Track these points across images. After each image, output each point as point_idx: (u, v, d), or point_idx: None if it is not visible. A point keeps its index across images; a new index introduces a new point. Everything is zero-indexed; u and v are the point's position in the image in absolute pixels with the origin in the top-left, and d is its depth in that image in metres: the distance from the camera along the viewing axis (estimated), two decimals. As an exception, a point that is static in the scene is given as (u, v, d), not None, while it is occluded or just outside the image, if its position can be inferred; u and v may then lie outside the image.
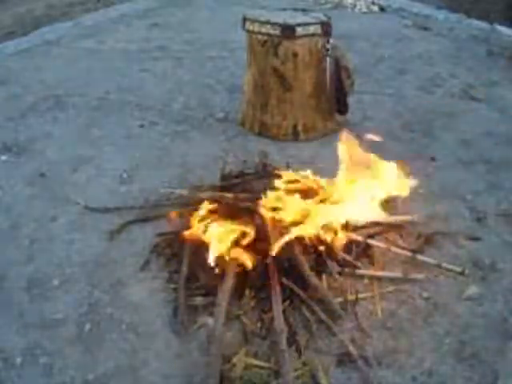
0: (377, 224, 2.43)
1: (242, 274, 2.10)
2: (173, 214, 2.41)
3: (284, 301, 2.02)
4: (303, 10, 3.33)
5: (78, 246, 2.46)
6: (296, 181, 2.37)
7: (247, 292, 2.09)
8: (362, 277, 2.19)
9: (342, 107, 3.32)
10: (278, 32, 3.04)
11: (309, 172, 2.39)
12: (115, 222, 2.55)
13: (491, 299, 2.11)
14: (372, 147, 3.16)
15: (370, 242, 2.31)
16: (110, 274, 2.28)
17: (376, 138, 2.49)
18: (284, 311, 1.98)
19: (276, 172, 2.49)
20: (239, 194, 2.36)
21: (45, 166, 3.08)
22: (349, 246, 2.27)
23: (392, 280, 2.18)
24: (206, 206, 2.30)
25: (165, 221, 2.49)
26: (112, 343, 1.97)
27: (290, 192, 2.27)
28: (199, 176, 2.88)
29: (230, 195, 2.35)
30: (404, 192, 2.37)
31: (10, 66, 4.55)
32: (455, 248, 2.36)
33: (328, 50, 3.09)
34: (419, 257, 2.25)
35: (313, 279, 2.05)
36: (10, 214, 2.69)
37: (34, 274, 2.30)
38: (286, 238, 2.05)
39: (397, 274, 2.20)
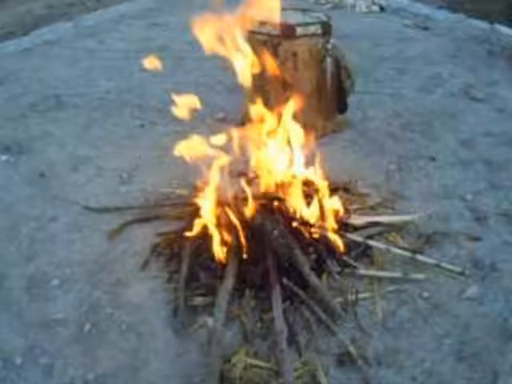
0: (377, 224, 2.44)
1: (242, 274, 2.10)
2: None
3: (284, 301, 2.02)
4: (303, 10, 3.33)
5: (78, 246, 2.46)
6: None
7: (247, 292, 2.09)
8: (361, 277, 2.19)
9: (341, 107, 3.31)
10: (277, 32, 3.04)
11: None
12: (115, 222, 2.55)
13: (491, 299, 2.11)
14: (372, 147, 3.17)
15: (370, 242, 2.31)
16: (110, 274, 2.28)
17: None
18: (284, 311, 1.98)
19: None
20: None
21: (45, 166, 3.08)
22: (349, 247, 2.27)
23: (392, 280, 2.18)
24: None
25: (165, 221, 2.49)
26: (112, 343, 1.97)
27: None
28: (199, 176, 2.88)
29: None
30: None
31: (10, 66, 4.54)
32: (455, 248, 2.36)
33: (328, 50, 3.09)
34: (419, 257, 2.25)
35: (313, 279, 2.05)
36: (9, 214, 2.69)
37: (34, 274, 2.30)
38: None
39: (397, 274, 2.20)
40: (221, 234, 2.17)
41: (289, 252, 2.10)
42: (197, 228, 2.24)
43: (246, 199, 2.27)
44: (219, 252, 2.14)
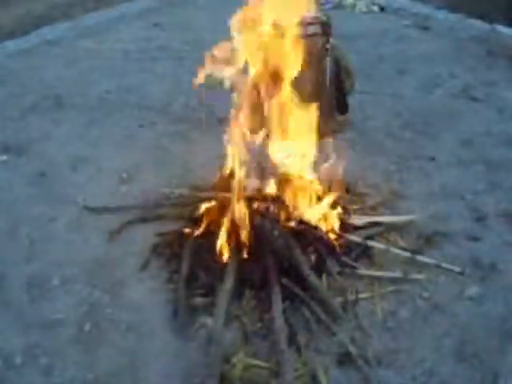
0: (377, 224, 2.43)
1: (242, 274, 2.10)
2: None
3: (284, 301, 2.02)
4: (303, 10, 3.32)
5: (77, 245, 2.46)
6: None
7: (247, 292, 2.09)
8: (361, 277, 2.19)
9: (342, 107, 3.31)
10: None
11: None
12: (115, 222, 2.55)
13: (491, 299, 2.11)
14: (372, 147, 3.17)
15: (370, 242, 2.31)
16: (110, 274, 2.28)
17: None
18: (284, 311, 1.98)
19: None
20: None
21: (45, 166, 3.08)
22: (349, 247, 2.27)
23: (392, 280, 2.18)
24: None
25: (165, 221, 2.49)
26: (112, 343, 1.97)
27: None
28: (199, 176, 2.88)
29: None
30: None
31: (10, 66, 4.54)
32: (455, 248, 2.36)
33: (328, 49, 3.09)
34: (419, 257, 2.25)
35: (313, 279, 2.05)
36: (10, 214, 2.69)
37: (33, 273, 2.30)
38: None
39: (397, 274, 2.20)
40: (222, 233, 2.17)
41: (289, 252, 2.10)
42: (197, 228, 2.24)
43: (246, 199, 2.27)
44: (222, 251, 2.13)
